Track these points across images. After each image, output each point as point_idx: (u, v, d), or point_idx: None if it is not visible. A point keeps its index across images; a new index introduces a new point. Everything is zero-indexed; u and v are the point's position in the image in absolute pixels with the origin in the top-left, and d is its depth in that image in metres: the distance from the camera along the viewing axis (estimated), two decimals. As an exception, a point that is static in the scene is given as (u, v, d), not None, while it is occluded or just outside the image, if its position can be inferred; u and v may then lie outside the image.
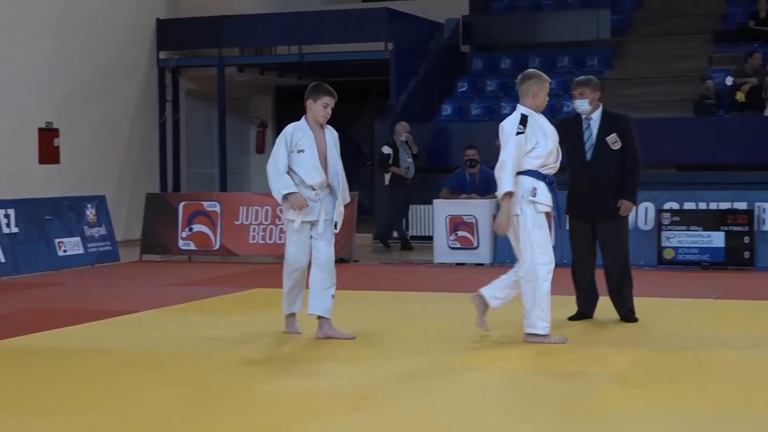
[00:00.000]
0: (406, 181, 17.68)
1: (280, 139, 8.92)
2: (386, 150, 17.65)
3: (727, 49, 20.37)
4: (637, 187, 9.64)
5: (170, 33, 21.10)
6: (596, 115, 9.56)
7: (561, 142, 9.57)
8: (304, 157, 8.82)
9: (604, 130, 9.51)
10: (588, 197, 9.51)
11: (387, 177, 17.76)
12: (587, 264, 9.64)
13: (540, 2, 23.86)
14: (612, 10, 22.04)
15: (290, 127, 8.98)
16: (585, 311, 9.66)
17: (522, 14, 23.24)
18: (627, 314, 9.58)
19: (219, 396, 6.85)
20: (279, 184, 8.81)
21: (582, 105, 9.52)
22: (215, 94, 21.35)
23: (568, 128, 9.63)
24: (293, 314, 9.22)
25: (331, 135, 9.08)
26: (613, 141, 9.46)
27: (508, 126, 8.56)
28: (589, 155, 9.51)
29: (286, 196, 8.78)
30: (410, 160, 17.70)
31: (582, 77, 9.77)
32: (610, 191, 9.49)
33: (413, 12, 21.42)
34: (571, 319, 9.62)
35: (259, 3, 22.25)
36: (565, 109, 19.60)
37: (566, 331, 9.15)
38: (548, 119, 8.84)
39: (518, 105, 8.73)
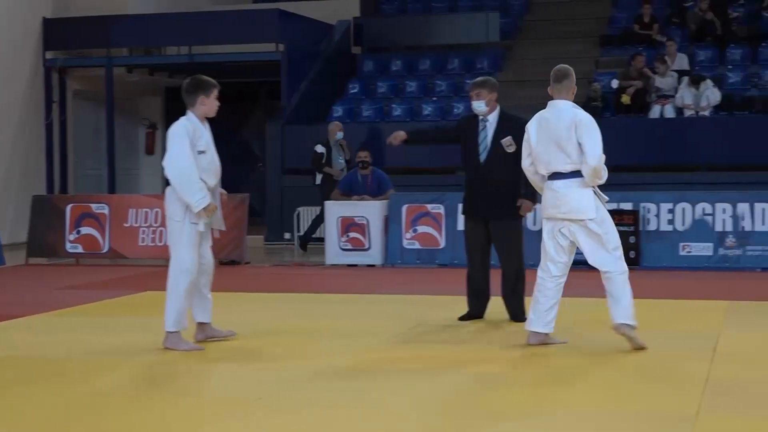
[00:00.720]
0: (336, 182, 17.18)
1: (183, 137, 8.37)
2: (320, 149, 17.11)
3: (613, 52, 20.76)
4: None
5: (57, 32, 20.74)
6: (493, 117, 9.62)
7: (458, 142, 9.69)
8: (205, 159, 8.44)
9: (500, 132, 9.58)
10: (482, 198, 9.58)
11: (318, 177, 17.19)
12: (480, 265, 9.72)
13: (430, 5, 24.02)
14: (501, 14, 22.29)
15: (187, 124, 8.46)
16: (475, 312, 9.73)
17: (412, 16, 23.38)
18: (517, 314, 9.68)
19: (104, 402, 6.76)
20: (197, 195, 8.27)
21: (478, 106, 9.57)
22: (103, 94, 21.05)
23: (465, 128, 9.70)
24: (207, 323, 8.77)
25: (210, 131, 8.68)
26: (508, 144, 9.53)
27: (588, 118, 8.36)
28: (483, 156, 9.57)
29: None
30: (342, 161, 17.24)
31: (479, 78, 9.83)
32: (504, 193, 9.56)
33: (304, 13, 21.40)
34: (462, 319, 9.69)
35: (149, 3, 22.00)
36: (455, 111, 19.76)
37: (460, 332, 9.22)
38: (442, 120, 8.89)
39: (563, 100, 8.56)
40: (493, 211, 9.58)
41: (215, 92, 8.58)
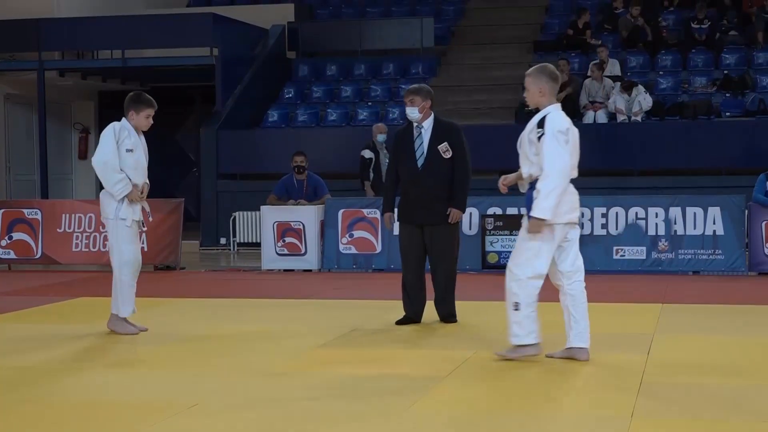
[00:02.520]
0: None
1: (109, 135, 9.16)
2: (367, 154, 16.22)
3: (546, 58, 20.89)
4: (466, 195, 9.79)
5: (-13, 36, 20.51)
6: (428, 123, 9.68)
7: (396, 151, 9.74)
8: (132, 157, 9.22)
9: (436, 138, 9.63)
10: (419, 204, 9.62)
11: (368, 185, 16.17)
12: (416, 270, 9.76)
13: (365, 10, 24.10)
14: (435, 19, 22.42)
15: (116, 125, 9.23)
16: (412, 316, 9.77)
17: (347, 21, 23.42)
18: (447, 316, 9.78)
19: (35, 409, 6.68)
20: (119, 185, 9.12)
21: (412, 113, 9.64)
22: (35, 98, 20.83)
23: (401, 136, 9.78)
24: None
25: (144, 139, 9.43)
26: (445, 150, 9.60)
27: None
28: (420, 162, 9.62)
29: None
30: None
31: (414, 86, 9.91)
32: (440, 198, 9.61)
33: (239, 18, 21.34)
34: (399, 323, 9.72)
35: (81, 6, 21.82)
36: (390, 116, 19.83)
37: (395, 335, 9.25)
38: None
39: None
40: (429, 216, 9.63)
41: (146, 111, 9.27)
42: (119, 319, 9.35)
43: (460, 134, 9.78)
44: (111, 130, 9.20)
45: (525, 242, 7.81)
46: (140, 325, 9.49)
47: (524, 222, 7.89)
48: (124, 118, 9.29)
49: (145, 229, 9.65)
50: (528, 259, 7.77)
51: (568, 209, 7.82)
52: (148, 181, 9.44)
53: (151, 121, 9.32)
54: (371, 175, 16.16)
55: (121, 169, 9.14)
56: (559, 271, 7.91)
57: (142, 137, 9.39)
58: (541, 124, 7.82)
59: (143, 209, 9.41)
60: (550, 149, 7.68)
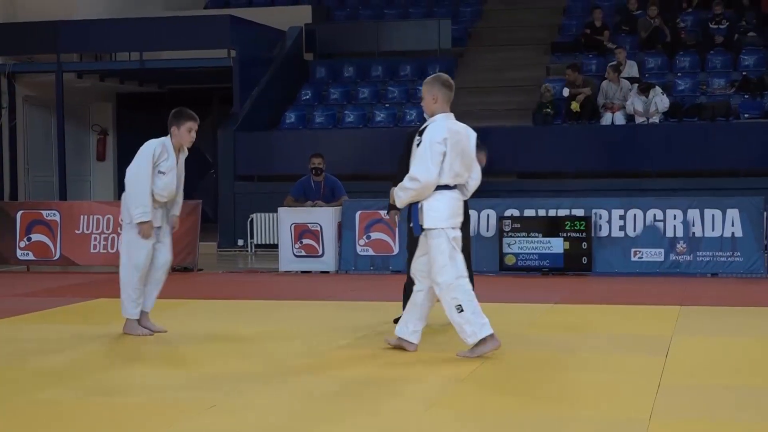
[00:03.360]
0: None
1: (147, 156, 9.19)
2: None
3: (563, 59, 20.91)
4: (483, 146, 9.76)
5: (6, 38, 20.58)
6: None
7: (407, 151, 9.71)
8: (163, 179, 9.24)
9: None
10: None
11: None
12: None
13: (382, 11, 24.11)
14: (453, 21, 22.41)
15: (156, 146, 9.24)
16: None
17: (364, 23, 23.42)
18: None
19: (55, 410, 6.70)
20: (142, 208, 9.16)
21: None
22: (54, 100, 20.90)
23: (413, 137, 9.73)
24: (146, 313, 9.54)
25: (184, 155, 9.52)
26: None
27: None
28: None
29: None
30: None
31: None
32: None
33: (256, 20, 21.37)
34: (396, 321, 9.69)
35: (99, 8, 21.89)
36: (407, 117, 19.83)
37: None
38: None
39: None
40: None
41: (188, 124, 9.29)
42: (130, 321, 9.38)
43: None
44: (151, 150, 9.22)
45: (438, 250, 8.13)
46: (159, 326, 9.50)
47: (426, 236, 8.19)
48: (167, 136, 9.30)
49: (172, 228, 9.60)
50: (445, 265, 8.08)
51: (451, 214, 8.21)
52: (177, 224, 9.58)
53: (194, 136, 9.33)
54: None
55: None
56: (421, 269, 8.31)
57: (183, 156, 9.42)
58: (422, 132, 8.23)
59: (169, 217, 9.49)
60: (421, 157, 8.09)
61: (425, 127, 8.21)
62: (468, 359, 8.03)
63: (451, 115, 8.31)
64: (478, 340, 8.05)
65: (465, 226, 9.48)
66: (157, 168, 9.21)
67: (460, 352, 8.18)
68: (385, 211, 9.89)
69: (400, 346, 8.42)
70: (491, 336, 8.07)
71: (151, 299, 9.49)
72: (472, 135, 8.37)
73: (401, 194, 8.19)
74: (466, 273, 8.19)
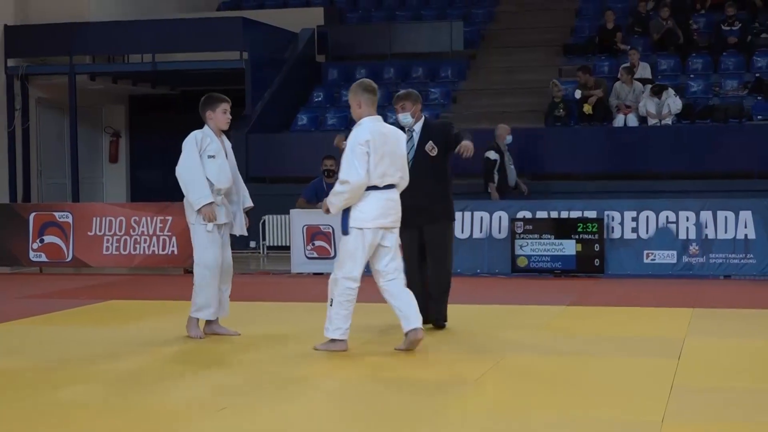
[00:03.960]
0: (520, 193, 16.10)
1: (191, 144, 9.15)
2: (492, 155, 16.05)
3: (576, 61, 20.87)
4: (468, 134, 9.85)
5: (19, 40, 20.64)
6: (418, 126, 9.79)
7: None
8: (215, 163, 9.19)
9: (424, 138, 9.73)
10: (414, 206, 9.60)
11: (492, 187, 16.06)
12: (418, 273, 9.76)
13: (394, 13, 24.10)
14: (465, 23, 22.39)
15: (197, 133, 9.26)
16: None
17: (376, 25, 23.42)
18: (438, 320, 9.78)
19: (66, 413, 6.71)
20: (199, 192, 9.07)
21: (405, 119, 9.74)
22: (66, 102, 20.94)
23: None
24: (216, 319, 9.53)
25: (228, 143, 9.51)
26: (430, 148, 9.70)
27: None
28: (411, 164, 9.62)
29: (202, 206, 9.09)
30: (514, 168, 16.28)
31: (403, 92, 9.99)
32: (434, 199, 9.69)
33: (268, 21, 21.38)
34: None
35: (112, 10, 21.92)
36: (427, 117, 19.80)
37: (425, 338, 9.23)
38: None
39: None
40: (426, 217, 9.66)
41: (222, 106, 9.42)
42: (191, 319, 9.35)
43: (448, 128, 9.96)
44: (193, 138, 9.19)
45: (344, 247, 8.52)
46: (232, 330, 9.50)
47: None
48: (205, 125, 9.32)
49: (242, 232, 9.57)
50: (344, 261, 8.48)
51: (378, 215, 8.45)
52: (247, 218, 9.54)
53: (229, 117, 9.37)
54: (496, 176, 16.07)
55: (207, 178, 9.12)
56: (376, 270, 8.56)
57: (226, 140, 9.43)
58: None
59: (234, 215, 9.42)
60: (347, 160, 8.39)
61: (352, 131, 8.56)
62: (479, 360, 8.02)
63: (379, 117, 8.67)
64: (331, 339, 8.51)
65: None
66: (205, 153, 9.14)
67: (317, 345, 8.61)
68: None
69: (411, 338, 8.50)
70: (343, 341, 8.50)
71: (224, 305, 9.48)
72: (402, 136, 8.73)
73: (334, 200, 8.46)
74: (357, 274, 8.44)
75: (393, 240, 8.58)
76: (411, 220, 9.62)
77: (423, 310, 9.67)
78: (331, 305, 8.50)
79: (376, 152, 8.38)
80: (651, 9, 21.51)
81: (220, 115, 9.32)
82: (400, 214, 8.63)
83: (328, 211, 8.64)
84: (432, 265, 9.79)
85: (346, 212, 8.48)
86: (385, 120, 20.66)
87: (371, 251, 8.48)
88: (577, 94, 18.99)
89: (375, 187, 8.41)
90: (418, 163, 9.61)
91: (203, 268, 9.23)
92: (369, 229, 8.42)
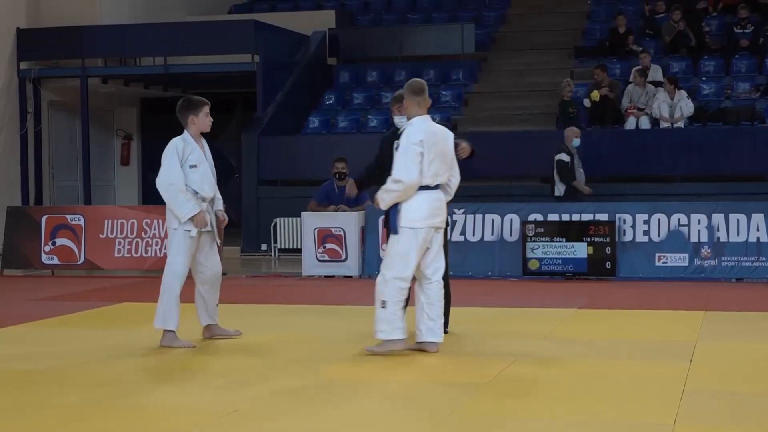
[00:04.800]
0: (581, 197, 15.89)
1: (171, 154, 8.99)
2: (565, 157, 15.85)
3: (588, 63, 20.85)
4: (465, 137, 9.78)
5: (31, 43, 20.67)
6: None
7: (383, 157, 9.72)
8: (197, 172, 9.04)
9: None
10: None
11: (560, 188, 15.88)
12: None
13: (406, 16, 24.10)
14: (477, 25, 22.37)
15: (178, 142, 9.08)
16: None
17: (388, 28, 23.42)
18: (445, 322, 9.68)
19: (78, 413, 6.73)
20: (185, 207, 8.92)
21: (401, 121, 9.58)
22: (78, 105, 20.98)
23: (389, 143, 9.71)
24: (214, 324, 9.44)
25: (206, 146, 9.33)
26: None
27: None
28: None
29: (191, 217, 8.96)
30: (581, 169, 16.20)
31: (398, 93, 9.83)
32: None
33: (280, 24, 21.39)
34: None
35: (124, 13, 21.96)
36: (436, 120, 19.78)
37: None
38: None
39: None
40: None
41: (204, 109, 9.22)
42: (168, 332, 9.07)
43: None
44: (173, 147, 9.01)
45: (393, 248, 8.45)
46: (233, 330, 9.48)
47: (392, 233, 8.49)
48: (185, 132, 9.15)
49: (219, 241, 9.39)
50: (395, 262, 8.39)
51: (428, 215, 8.42)
52: (226, 216, 9.36)
53: (211, 119, 9.20)
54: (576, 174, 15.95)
55: (186, 186, 8.96)
56: (421, 271, 8.51)
57: (205, 144, 9.25)
58: (400, 136, 8.59)
59: (213, 221, 9.22)
60: (401, 159, 8.38)
61: (402, 131, 8.52)
62: (490, 363, 8.01)
63: (428, 117, 8.64)
64: (385, 339, 8.43)
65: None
66: (187, 163, 9.00)
67: (368, 347, 8.55)
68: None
69: (423, 348, 8.54)
70: (402, 340, 8.44)
71: (212, 313, 9.35)
72: (450, 136, 8.67)
73: (385, 196, 8.44)
74: (410, 275, 8.39)
75: (439, 240, 8.56)
76: None
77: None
78: (384, 307, 8.38)
79: (429, 152, 8.36)
80: (663, 11, 21.48)
81: (203, 118, 9.15)
82: (446, 215, 8.62)
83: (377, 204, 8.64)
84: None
85: (395, 212, 8.41)
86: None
87: (422, 251, 8.42)
88: (586, 103, 18.92)
89: (426, 187, 8.39)
90: None
91: (171, 273, 9.00)
92: (421, 228, 8.38)
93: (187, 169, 8.99)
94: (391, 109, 9.91)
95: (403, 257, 8.37)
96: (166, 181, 8.95)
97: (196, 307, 9.34)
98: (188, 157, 9.01)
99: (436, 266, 8.55)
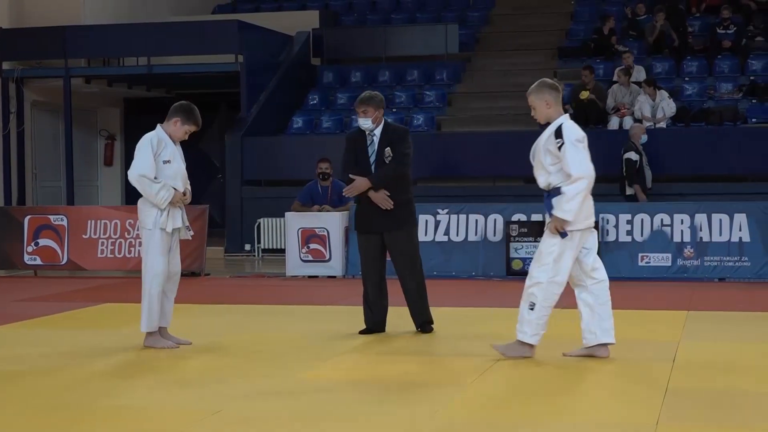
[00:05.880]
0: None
1: (145, 147, 8.94)
2: (634, 156, 15.79)
3: (571, 64, 20.91)
4: (384, 178, 9.54)
5: (14, 43, 20.61)
6: (378, 130, 9.70)
7: (349, 157, 9.70)
8: (170, 168, 8.99)
9: (384, 143, 9.64)
10: (375, 211, 9.59)
11: (632, 189, 15.79)
12: (376, 279, 9.71)
13: (389, 16, 24.11)
14: (460, 26, 22.41)
15: (153, 136, 9.01)
16: (372, 326, 9.69)
17: (372, 28, 23.43)
18: (423, 324, 9.71)
19: (61, 414, 6.71)
20: (160, 194, 8.86)
21: (365, 123, 9.62)
22: (61, 105, 20.93)
23: (356, 145, 9.74)
24: (165, 327, 9.18)
25: (180, 148, 9.23)
26: (387, 155, 9.62)
27: None
28: (373, 169, 9.62)
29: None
30: (649, 168, 15.93)
31: (366, 95, 9.81)
32: (395, 203, 9.57)
33: (264, 25, 21.38)
34: (362, 333, 9.67)
35: (107, 13, 21.92)
36: (415, 122, 19.82)
37: (420, 341, 9.24)
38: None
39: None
40: (386, 222, 9.60)
41: (190, 128, 9.09)
42: (150, 334, 9.02)
43: (402, 139, 9.71)
44: (147, 142, 8.94)
45: (548, 247, 8.11)
46: (183, 338, 9.21)
47: (547, 228, 8.17)
48: (159, 127, 9.06)
49: (191, 234, 9.31)
50: (547, 264, 8.08)
51: (586, 215, 8.19)
52: (189, 187, 9.21)
53: (186, 137, 9.11)
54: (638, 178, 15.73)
55: (156, 178, 8.88)
56: (583, 272, 8.22)
57: (179, 146, 9.15)
58: (558, 134, 8.15)
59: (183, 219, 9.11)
60: (574, 156, 8.06)
61: (558, 128, 8.18)
62: (473, 364, 8.02)
63: (567, 115, 8.37)
64: (522, 342, 8.17)
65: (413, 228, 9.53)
66: (160, 158, 8.92)
67: (497, 345, 8.34)
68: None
69: (593, 353, 8.28)
70: (532, 346, 8.19)
71: (167, 314, 9.14)
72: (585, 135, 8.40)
73: (570, 206, 7.99)
74: (565, 279, 8.13)
75: (595, 240, 8.35)
76: (370, 225, 9.63)
77: (379, 316, 9.67)
78: (532, 309, 8.10)
79: (586, 148, 8.18)
80: (643, 14, 21.53)
81: (182, 132, 9.03)
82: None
83: (559, 230, 8.06)
84: (402, 273, 9.73)
85: (550, 207, 8.13)
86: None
87: (577, 254, 8.16)
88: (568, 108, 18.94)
89: None
90: (378, 167, 9.59)
91: (152, 274, 8.92)
92: (578, 230, 8.13)
93: (161, 164, 8.93)
94: (356, 111, 9.79)
95: (558, 259, 8.07)
96: (137, 172, 8.89)
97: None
98: (162, 152, 8.95)
99: (598, 265, 8.28)
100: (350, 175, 9.59)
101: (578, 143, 8.09)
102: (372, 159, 9.63)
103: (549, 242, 8.10)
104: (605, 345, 8.23)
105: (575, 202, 7.99)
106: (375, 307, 9.70)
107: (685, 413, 6.58)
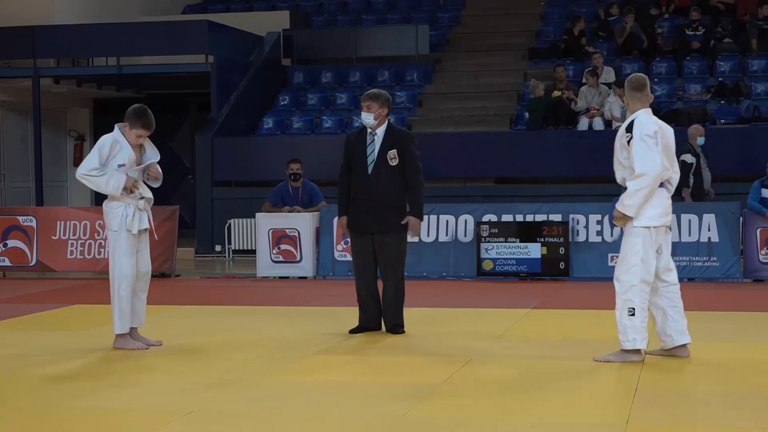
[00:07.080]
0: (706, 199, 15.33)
1: (96, 148, 8.92)
2: (689, 158, 15.10)
3: (541, 65, 20.99)
4: (422, 203, 9.65)
5: (-18, 43, 20.50)
6: (381, 131, 9.64)
7: (348, 156, 9.70)
8: (123, 171, 8.87)
9: (387, 145, 9.59)
10: (367, 212, 9.59)
11: (687, 192, 15.15)
12: (368, 279, 9.74)
13: (360, 17, 24.12)
14: (431, 27, 22.45)
15: (107, 139, 8.94)
16: (365, 324, 9.73)
17: (342, 29, 23.43)
18: (394, 327, 9.71)
19: (29, 415, 6.68)
20: (110, 182, 8.78)
21: (367, 118, 9.59)
22: (30, 105, 20.81)
23: (354, 145, 9.72)
24: (136, 328, 9.12)
25: (149, 150, 9.11)
26: (392, 157, 9.56)
27: None
28: (370, 169, 9.60)
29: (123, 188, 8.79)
30: (708, 169, 15.47)
31: (373, 91, 9.83)
32: (389, 207, 9.57)
33: (234, 25, 21.35)
34: (353, 331, 9.69)
35: (76, 13, 21.82)
36: (390, 122, 19.82)
37: (392, 342, 9.25)
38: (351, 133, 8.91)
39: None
40: (377, 225, 9.60)
41: (139, 131, 8.91)
42: (121, 336, 8.96)
43: (411, 142, 9.68)
44: (100, 144, 8.90)
45: (631, 250, 8.05)
46: (153, 339, 9.16)
47: (626, 231, 8.13)
48: (117, 129, 8.98)
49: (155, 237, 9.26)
50: (635, 265, 8.01)
51: (663, 212, 8.14)
52: (157, 167, 9.07)
53: (141, 141, 8.94)
54: (691, 180, 15.29)
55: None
56: (656, 275, 8.14)
57: (148, 145, 9.01)
58: (629, 128, 8.13)
59: (151, 218, 9.06)
60: (640, 151, 7.98)
61: (631, 122, 8.15)
62: (443, 365, 8.03)
63: (650, 110, 8.31)
64: (632, 348, 8.08)
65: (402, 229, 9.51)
66: (115, 161, 8.79)
67: (599, 356, 8.22)
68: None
69: (675, 354, 8.28)
70: (639, 351, 8.12)
71: (139, 314, 9.06)
72: (671, 131, 8.35)
73: (632, 201, 7.96)
74: (652, 277, 8.06)
75: (669, 240, 8.25)
76: (362, 225, 9.63)
77: (373, 315, 9.69)
78: (633, 314, 7.97)
79: (664, 144, 8.08)
80: (616, 14, 21.63)
81: (133, 136, 8.87)
82: None
83: (621, 219, 8.03)
84: (384, 275, 9.75)
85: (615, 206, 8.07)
86: (355, 123, 20.62)
87: (654, 252, 8.08)
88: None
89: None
90: (377, 168, 9.57)
91: (121, 276, 8.83)
92: (656, 227, 8.06)
93: (115, 167, 8.83)
94: (361, 105, 9.77)
95: (642, 258, 7.97)
96: (81, 171, 8.91)
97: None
98: (116, 155, 8.85)
99: (672, 266, 8.22)
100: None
101: (648, 138, 7.98)
102: (370, 160, 9.57)
103: (631, 242, 8.05)
104: (684, 345, 8.25)
105: (636, 198, 7.93)
106: (367, 307, 9.71)
107: (654, 413, 6.60)
